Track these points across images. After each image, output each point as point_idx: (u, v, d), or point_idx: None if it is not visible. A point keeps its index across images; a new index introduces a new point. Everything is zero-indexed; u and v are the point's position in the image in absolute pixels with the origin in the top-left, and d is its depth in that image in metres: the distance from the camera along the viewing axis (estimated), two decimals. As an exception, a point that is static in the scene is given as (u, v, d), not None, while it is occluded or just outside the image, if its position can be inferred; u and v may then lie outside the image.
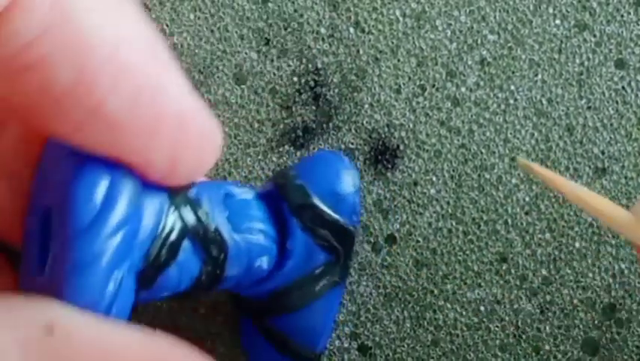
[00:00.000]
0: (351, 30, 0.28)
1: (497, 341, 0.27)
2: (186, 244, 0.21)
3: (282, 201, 0.24)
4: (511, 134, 0.27)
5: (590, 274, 0.27)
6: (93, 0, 0.18)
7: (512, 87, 0.27)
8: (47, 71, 0.18)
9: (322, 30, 0.28)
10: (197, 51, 0.28)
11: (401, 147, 0.27)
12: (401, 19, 0.28)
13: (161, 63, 0.19)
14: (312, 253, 0.25)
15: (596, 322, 0.27)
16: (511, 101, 0.27)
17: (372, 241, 0.28)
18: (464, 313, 0.27)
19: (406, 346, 0.28)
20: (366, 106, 0.28)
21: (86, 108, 0.18)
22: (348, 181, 0.25)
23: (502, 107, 0.27)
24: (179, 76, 0.20)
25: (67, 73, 0.18)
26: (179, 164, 0.20)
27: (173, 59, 0.20)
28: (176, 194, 0.21)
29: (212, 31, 0.28)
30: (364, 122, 0.28)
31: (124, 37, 0.18)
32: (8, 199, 0.21)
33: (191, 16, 0.28)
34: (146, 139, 0.19)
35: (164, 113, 0.19)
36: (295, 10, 0.28)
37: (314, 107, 0.28)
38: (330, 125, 0.28)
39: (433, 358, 0.27)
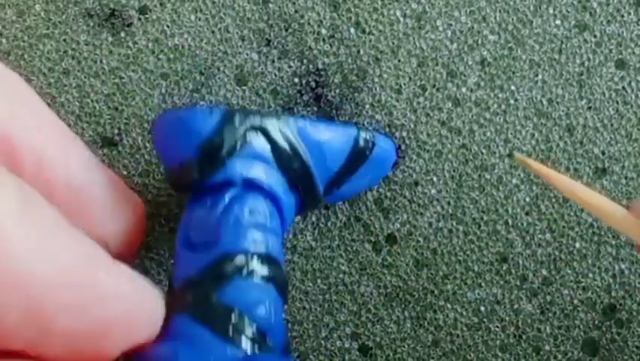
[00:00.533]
0: (352, 31, 0.28)
1: (497, 342, 0.27)
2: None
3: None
4: (511, 134, 0.27)
5: (591, 275, 0.27)
6: (31, 232, 0.19)
7: (513, 87, 0.27)
8: None
9: (323, 31, 0.28)
10: (198, 52, 0.28)
11: (402, 147, 0.27)
12: (402, 19, 0.28)
13: (96, 268, 0.20)
14: None
15: (596, 322, 0.27)
16: (512, 102, 0.27)
17: (373, 240, 0.28)
18: (464, 313, 0.27)
19: (406, 346, 0.28)
20: (367, 106, 0.28)
21: (36, 328, 0.19)
22: None
23: (503, 107, 0.27)
24: (119, 271, 0.21)
25: (14, 309, 0.18)
26: (128, 345, 0.21)
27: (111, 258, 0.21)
28: None
29: (213, 32, 0.28)
30: (365, 122, 0.28)
31: (60, 258, 0.19)
32: None
33: (192, 18, 0.28)
34: (98, 338, 0.20)
35: (112, 315, 0.20)
36: (296, 11, 0.28)
37: (315, 108, 0.28)
38: (331, 125, 0.28)
39: (433, 358, 0.28)
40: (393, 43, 0.28)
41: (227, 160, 0.23)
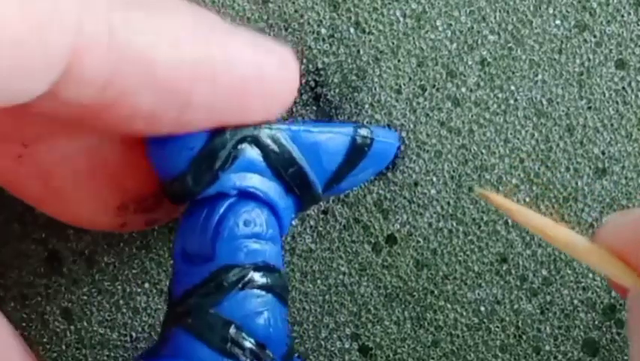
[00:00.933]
0: (352, 30, 0.28)
1: (498, 342, 0.27)
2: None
3: None
4: (511, 134, 0.27)
5: (591, 275, 0.27)
6: (139, 18, 0.20)
7: (512, 87, 0.27)
8: (130, 100, 0.20)
9: (323, 30, 0.28)
10: (197, 52, 0.28)
11: (401, 148, 0.27)
12: (401, 19, 0.28)
13: (220, 39, 0.22)
14: None
15: (596, 322, 0.27)
16: (512, 102, 0.27)
17: (373, 241, 0.28)
18: (464, 313, 0.28)
19: (406, 346, 0.28)
20: (367, 106, 0.28)
21: (176, 108, 0.21)
22: None
23: (503, 107, 0.27)
24: (241, 38, 0.22)
25: (147, 94, 0.20)
26: (271, 110, 0.23)
27: (231, 26, 0.22)
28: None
29: (212, 31, 0.28)
30: (365, 122, 0.28)
31: (181, 36, 0.21)
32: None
33: (192, 17, 0.28)
34: (237, 104, 0.22)
35: (244, 79, 0.22)
36: (296, 11, 0.28)
37: (314, 108, 0.28)
38: (331, 125, 0.28)
39: (433, 358, 0.28)
40: (392, 43, 0.28)
41: (220, 173, 0.23)
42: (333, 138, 0.24)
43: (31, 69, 0.18)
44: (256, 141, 0.23)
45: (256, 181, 0.23)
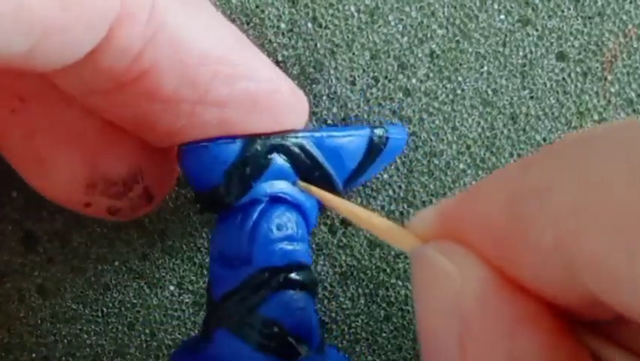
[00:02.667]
0: (309, 25, 0.29)
1: (446, 317, 0.29)
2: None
3: None
4: (458, 122, 0.29)
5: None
6: (179, 8, 0.22)
7: (460, 78, 0.29)
8: (154, 78, 0.21)
9: (282, 25, 0.29)
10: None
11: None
12: (356, 14, 0.29)
13: (244, 51, 0.23)
14: None
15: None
16: (459, 92, 0.29)
17: (329, 223, 0.29)
18: (415, 290, 0.29)
19: (360, 321, 0.29)
20: (324, 97, 0.29)
21: (192, 101, 0.22)
22: None
23: (451, 97, 0.29)
24: (262, 58, 0.24)
25: (172, 75, 0.21)
26: (280, 126, 0.24)
27: (251, 44, 0.25)
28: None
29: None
30: (323, 113, 0.29)
31: (212, 35, 0.22)
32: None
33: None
34: (247, 113, 0.23)
35: (258, 90, 0.23)
36: (257, 7, 0.29)
37: (274, 98, 0.29)
38: (290, 114, 0.29)
39: (385, 332, 0.29)
40: (347, 37, 0.29)
41: (253, 183, 0.24)
42: (353, 140, 0.26)
43: (77, 27, 0.19)
44: (284, 150, 0.24)
45: (285, 186, 0.24)
